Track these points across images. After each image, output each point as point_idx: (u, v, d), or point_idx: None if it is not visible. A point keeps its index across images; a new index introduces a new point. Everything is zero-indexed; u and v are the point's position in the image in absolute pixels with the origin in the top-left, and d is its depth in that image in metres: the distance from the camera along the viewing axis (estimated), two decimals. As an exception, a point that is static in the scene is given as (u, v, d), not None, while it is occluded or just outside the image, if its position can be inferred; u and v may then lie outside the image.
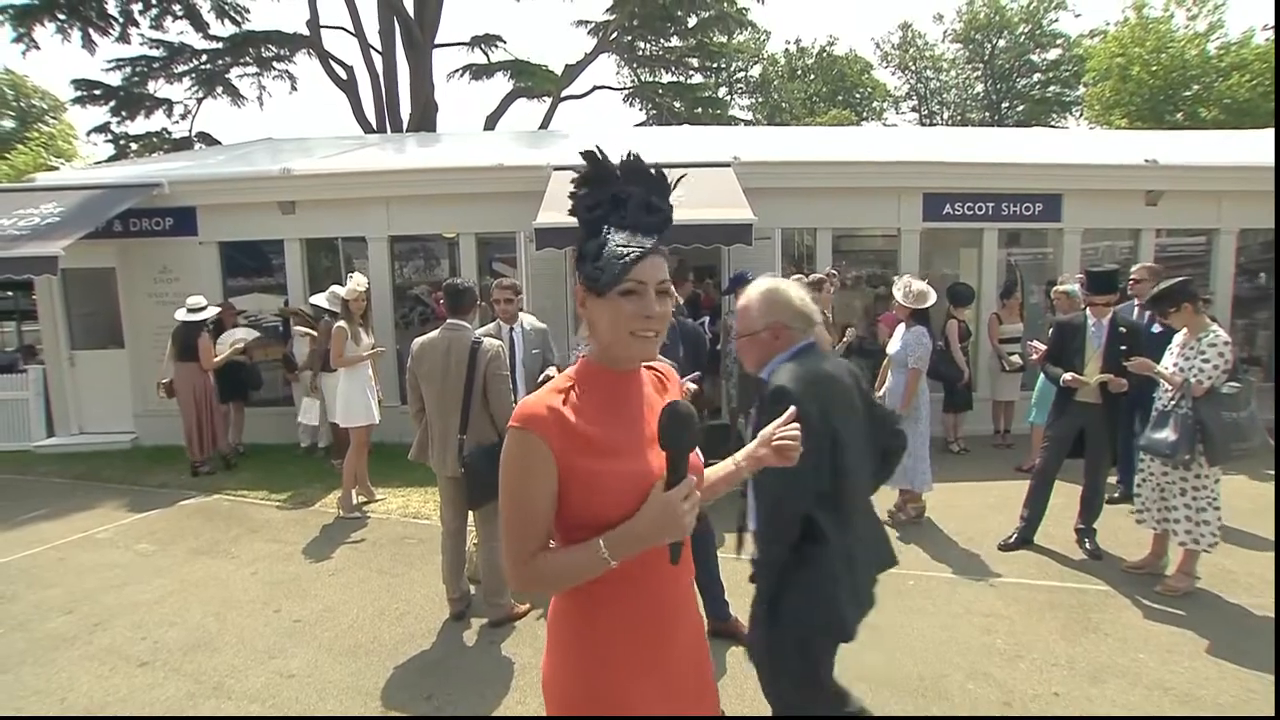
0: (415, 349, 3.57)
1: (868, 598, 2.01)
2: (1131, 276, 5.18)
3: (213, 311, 6.59)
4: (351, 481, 5.33)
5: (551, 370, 4.19)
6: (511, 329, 4.21)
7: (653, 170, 1.25)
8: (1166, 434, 3.61)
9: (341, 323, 5.35)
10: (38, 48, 15.77)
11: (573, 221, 1.27)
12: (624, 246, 1.19)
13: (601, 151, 1.25)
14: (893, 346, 4.80)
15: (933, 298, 4.69)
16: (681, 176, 1.28)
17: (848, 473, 1.88)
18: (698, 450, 1.27)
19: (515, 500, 1.20)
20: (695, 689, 1.35)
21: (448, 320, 3.59)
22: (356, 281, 5.48)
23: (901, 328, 4.78)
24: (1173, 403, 3.64)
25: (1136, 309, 5.07)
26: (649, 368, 1.38)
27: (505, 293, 4.19)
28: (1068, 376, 4.12)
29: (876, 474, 2.16)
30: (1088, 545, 4.29)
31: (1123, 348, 4.00)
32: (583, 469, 1.19)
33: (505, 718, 2.77)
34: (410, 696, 2.99)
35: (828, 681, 2.07)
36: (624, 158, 1.24)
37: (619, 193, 1.22)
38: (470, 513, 3.66)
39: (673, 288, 1.26)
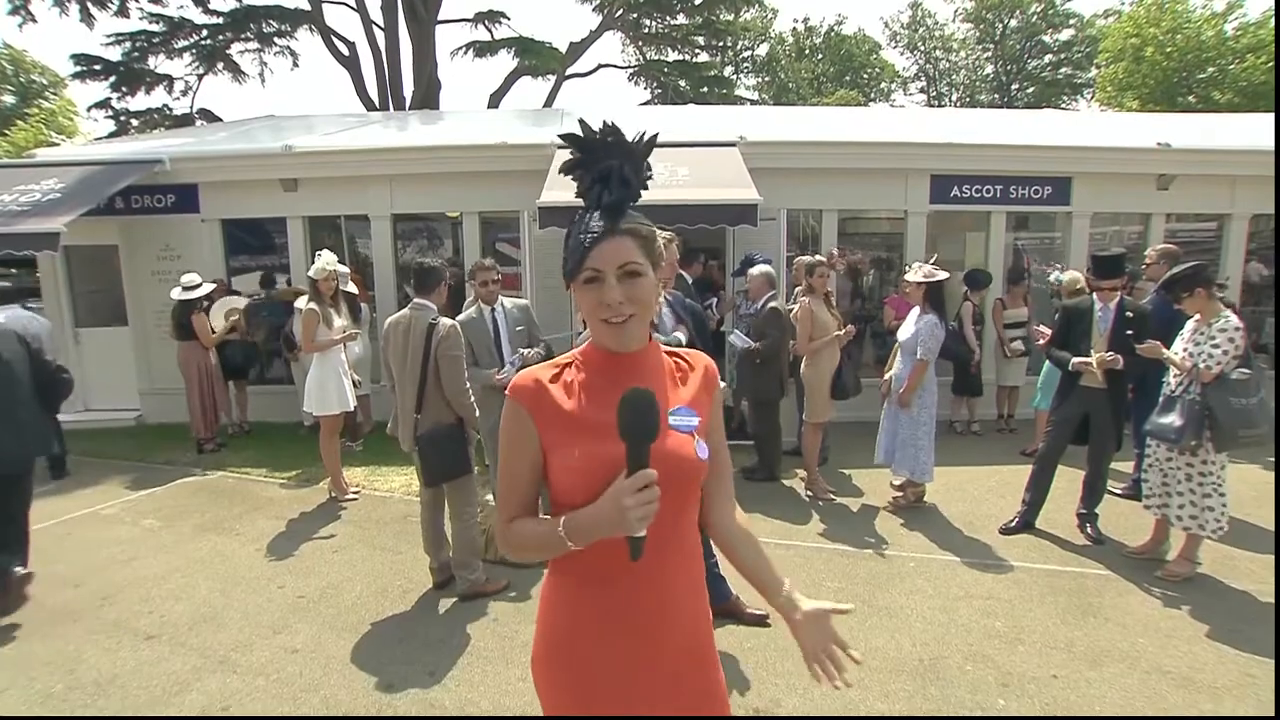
0: (385, 328, 3.76)
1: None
2: (1145, 260, 5.12)
3: (207, 288, 6.49)
4: (335, 466, 5.17)
5: (532, 351, 4.08)
6: (492, 309, 4.12)
7: (627, 140, 1.18)
8: (1172, 419, 3.59)
9: (312, 304, 5.00)
10: (35, 20, 15.65)
11: (577, 201, 1.22)
12: (583, 234, 1.16)
13: (585, 127, 1.18)
14: (904, 332, 4.75)
15: (943, 274, 4.67)
16: (654, 137, 1.20)
17: None
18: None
19: (503, 465, 1.26)
20: (696, 687, 1.29)
21: (413, 300, 3.70)
22: (325, 260, 5.04)
23: (915, 312, 4.73)
24: (1181, 388, 3.62)
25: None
26: (672, 354, 1.32)
27: (486, 274, 4.06)
28: (1075, 360, 4.10)
29: (39, 390, 3.70)
30: (1089, 530, 4.30)
31: (1129, 332, 3.97)
32: (559, 443, 1.19)
33: (510, 718, 2.76)
34: (414, 672, 3.02)
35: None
36: (602, 127, 1.18)
37: (604, 169, 1.17)
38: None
39: (650, 267, 1.19)
